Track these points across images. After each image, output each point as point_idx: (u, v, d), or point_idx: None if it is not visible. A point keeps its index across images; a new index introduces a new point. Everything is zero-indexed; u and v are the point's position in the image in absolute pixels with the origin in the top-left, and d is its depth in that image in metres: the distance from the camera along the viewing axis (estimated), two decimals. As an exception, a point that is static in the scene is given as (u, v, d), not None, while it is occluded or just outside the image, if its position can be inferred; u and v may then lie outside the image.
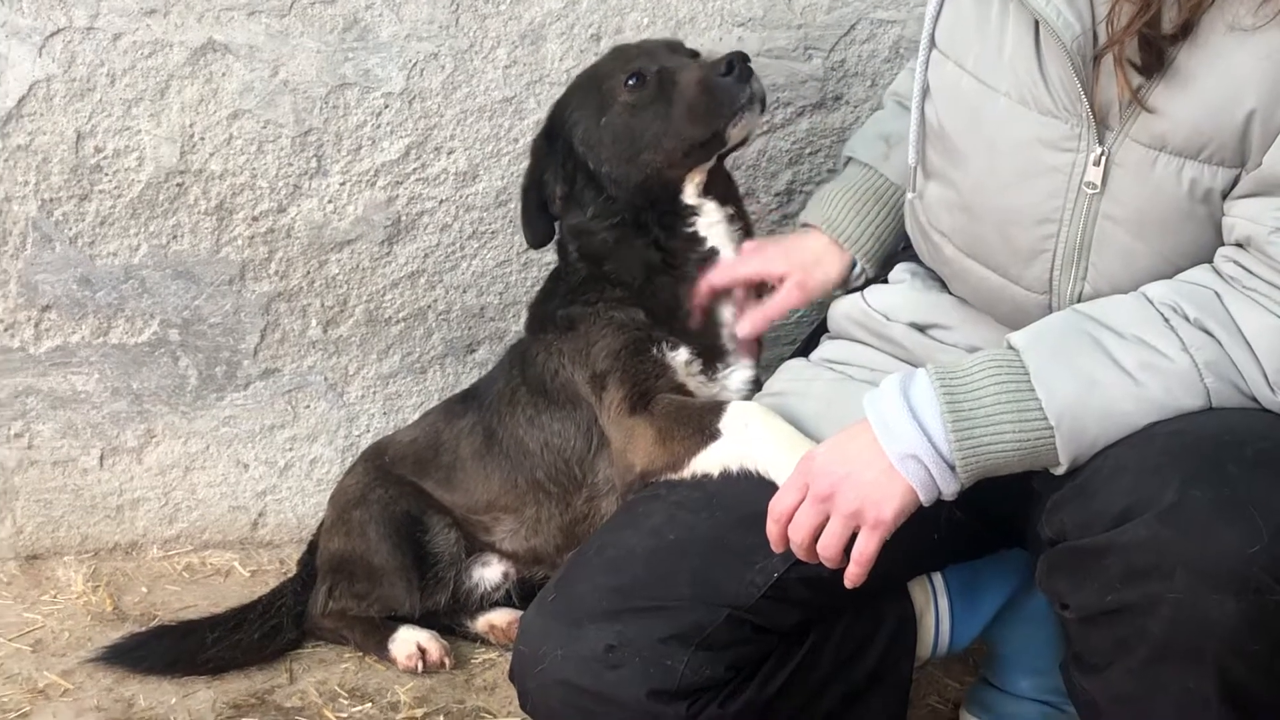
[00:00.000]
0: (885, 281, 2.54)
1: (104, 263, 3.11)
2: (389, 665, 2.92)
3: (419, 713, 2.76)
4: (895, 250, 2.62)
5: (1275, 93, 1.93)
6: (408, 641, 2.90)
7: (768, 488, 2.21)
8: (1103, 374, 1.96)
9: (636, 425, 2.52)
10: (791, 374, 2.55)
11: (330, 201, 3.12)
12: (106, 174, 3.04)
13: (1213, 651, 1.86)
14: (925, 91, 2.29)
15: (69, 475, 3.29)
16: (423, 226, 3.17)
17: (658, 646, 2.20)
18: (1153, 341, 1.96)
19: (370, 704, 2.79)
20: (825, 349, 2.56)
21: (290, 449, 3.35)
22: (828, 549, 2.08)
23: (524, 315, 2.97)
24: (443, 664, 2.90)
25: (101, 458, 3.29)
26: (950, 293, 2.41)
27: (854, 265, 2.62)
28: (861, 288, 2.56)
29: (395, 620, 2.95)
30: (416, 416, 3.18)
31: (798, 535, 2.11)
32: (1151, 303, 2.00)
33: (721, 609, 2.22)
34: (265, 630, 2.95)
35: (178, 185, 3.06)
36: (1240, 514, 1.82)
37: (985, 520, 2.36)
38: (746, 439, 2.36)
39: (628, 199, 2.64)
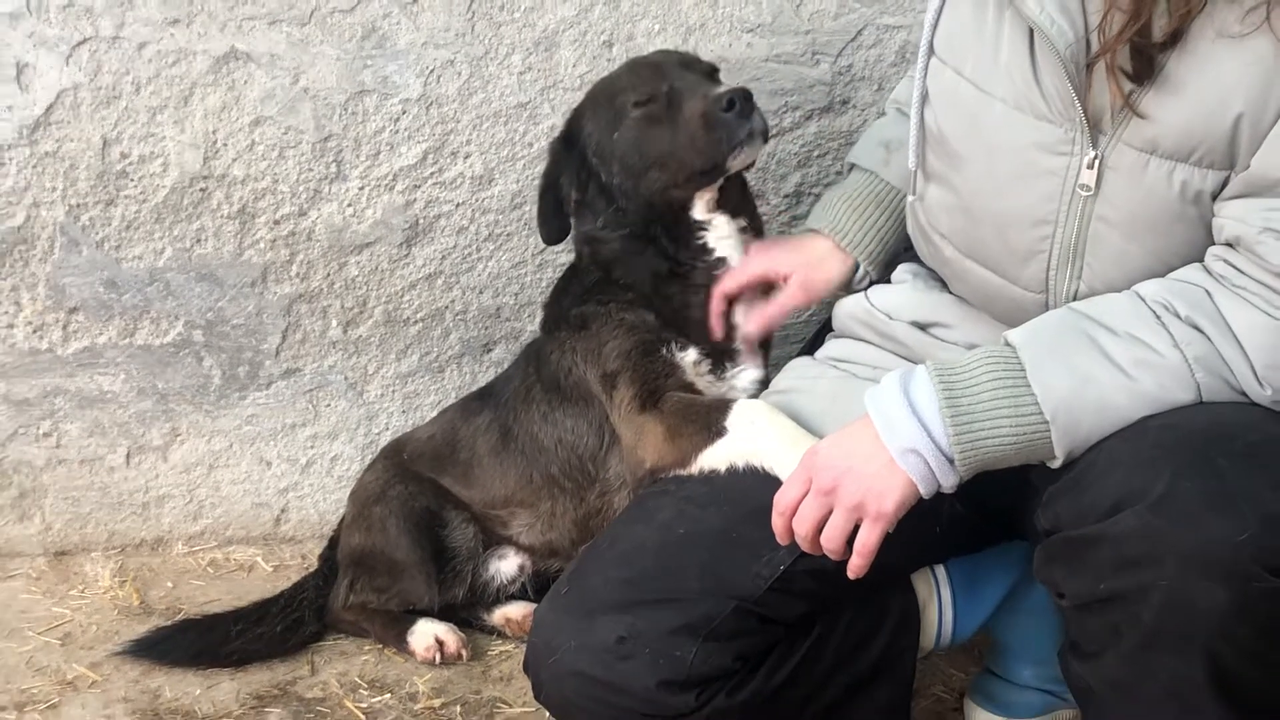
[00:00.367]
0: (888, 282, 2.58)
1: (130, 266, 3.14)
2: (408, 657, 2.96)
3: (437, 703, 2.80)
4: (898, 252, 2.65)
5: (1262, 97, 1.97)
6: (426, 634, 2.95)
7: (773, 483, 2.25)
8: (1097, 370, 2.00)
9: (646, 423, 2.57)
10: (797, 372, 2.59)
11: (350, 205, 3.16)
12: (132, 179, 3.07)
13: (1202, 638, 1.90)
14: (925, 98, 2.33)
15: (96, 473, 3.32)
16: (440, 229, 3.21)
17: (667, 638, 2.24)
18: (1145, 338, 2.00)
19: (389, 694, 2.84)
20: (830, 347, 2.60)
21: (311, 447, 3.39)
22: (831, 541, 2.13)
23: (539, 314, 2.99)
24: (460, 656, 2.94)
25: (128, 456, 3.32)
26: (951, 292, 2.45)
27: (857, 268, 2.66)
28: (865, 289, 2.60)
29: (414, 613, 3.00)
30: (434, 414, 3.22)
31: (802, 528, 2.15)
32: (1144, 301, 2.04)
33: (729, 601, 2.26)
34: (287, 623, 3.00)
35: (201, 190, 3.10)
36: (1229, 504, 1.86)
37: (986, 513, 2.40)
38: (752, 435, 2.41)
39: (637, 212, 2.67)
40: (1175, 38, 2.01)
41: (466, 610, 3.04)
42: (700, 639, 2.24)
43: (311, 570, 3.17)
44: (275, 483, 3.41)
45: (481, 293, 3.29)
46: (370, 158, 3.13)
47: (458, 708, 2.81)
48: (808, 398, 2.50)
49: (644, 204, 2.66)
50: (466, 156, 3.16)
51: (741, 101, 2.51)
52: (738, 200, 2.72)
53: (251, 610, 3.02)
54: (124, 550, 3.39)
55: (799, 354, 2.74)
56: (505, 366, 3.14)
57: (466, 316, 3.31)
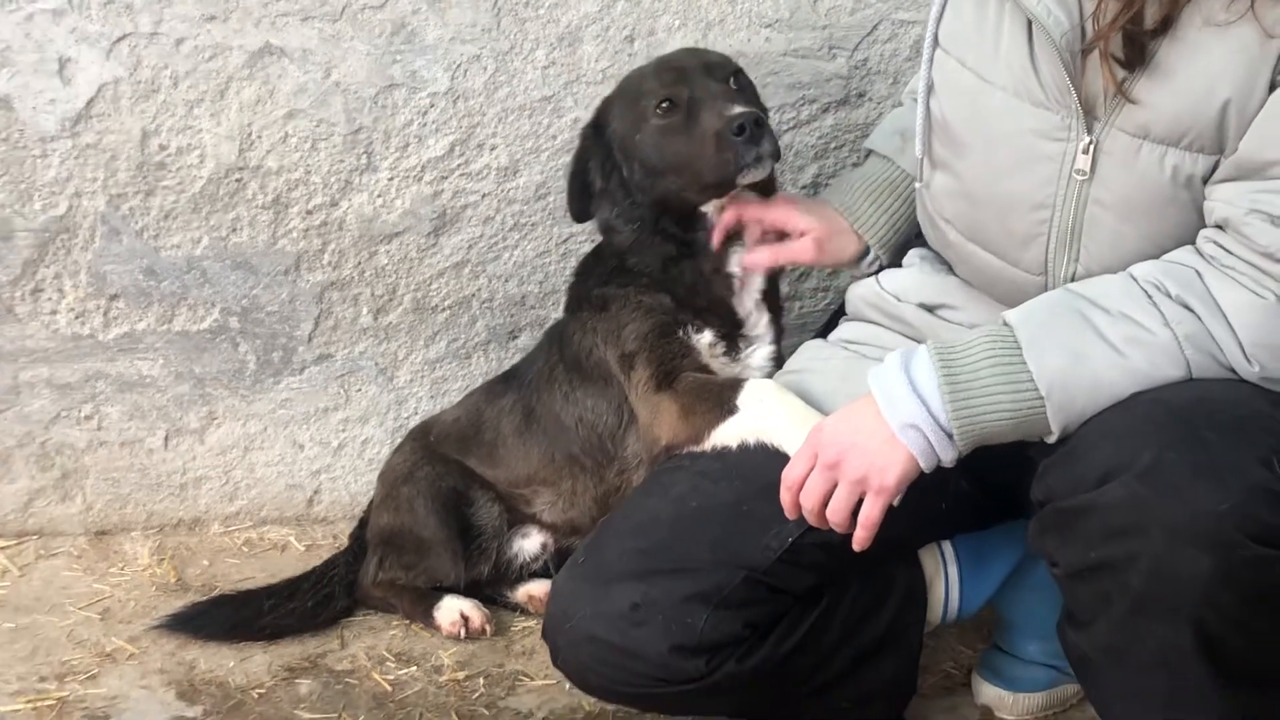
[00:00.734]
0: (899, 266, 2.64)
1: (168, 254, 3.20)
2: (434, 632, 3.01)
3: (460, 675, 2.87)
4: (909, 238, 2.71)
5: (1248, 83, 2.04)
6: (452, 609, 3.00)
7: (783, 459, 2.32)
8: (1090, 347, 2.07)
9: (662, 401, 2.64)
10: (809, 353, 2.67)
11: (379, 196, 3.22)
12: (170, 171, 3.14)
13: (1188, 604, 1.96)
14: (930, 88, 2.40)
15: (136, 455, 3.37)
16: (467, 219, 3.26)
17: (679, 605, 2.32)
18: (1137, 317, 2.06)
19: (415, 667, 2.90)
20: (841, 330, 2.67)
21: (343, 430, 3.44)
22: (836, 513, 2.21)
23: (563, 301, 3.04)
24: (484, 631, 2.99)
25: (166, 438, 3.38)
26: (957, 275, 2.52)
27: (867, 251, 2.72)
28: (876, 273, 2.66)
29: (440, 590, 3.04)
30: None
31: (808, 501, 2.23)
32: (1136, 281, 2.11)
33: (739, 571, 2.34)
34: (318, 599, 3.04)
35: (237, 181, 3.16)
36: (1213, 475, 1.92)
37: (991, 491, 2.47)
38: (762, 413, 2.48)
39: (651, 207, 2.74)
40: (1166, 25, 2.07)
41: (491, 587, 3.09)
42: (711, 607, 2.32)
43: (342, 549, 3.22)
44: (308, 465, 3.46)
45: (507, 281, 3.34)
46: (399, 149, 3.19)
47: (481, 680, 2.86)
48: (818, 377, 2.56)
49: (658, 201, 2.73)
50: (492, 148, 3.22)
51: (752, 127, 2.55)
52: (763, 193, 2.76)
53: (284, 586, 3.07)
54: (162, 530, 3.43)
55: (813, 338, 2.81)
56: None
57: (493, 304, 3.37)
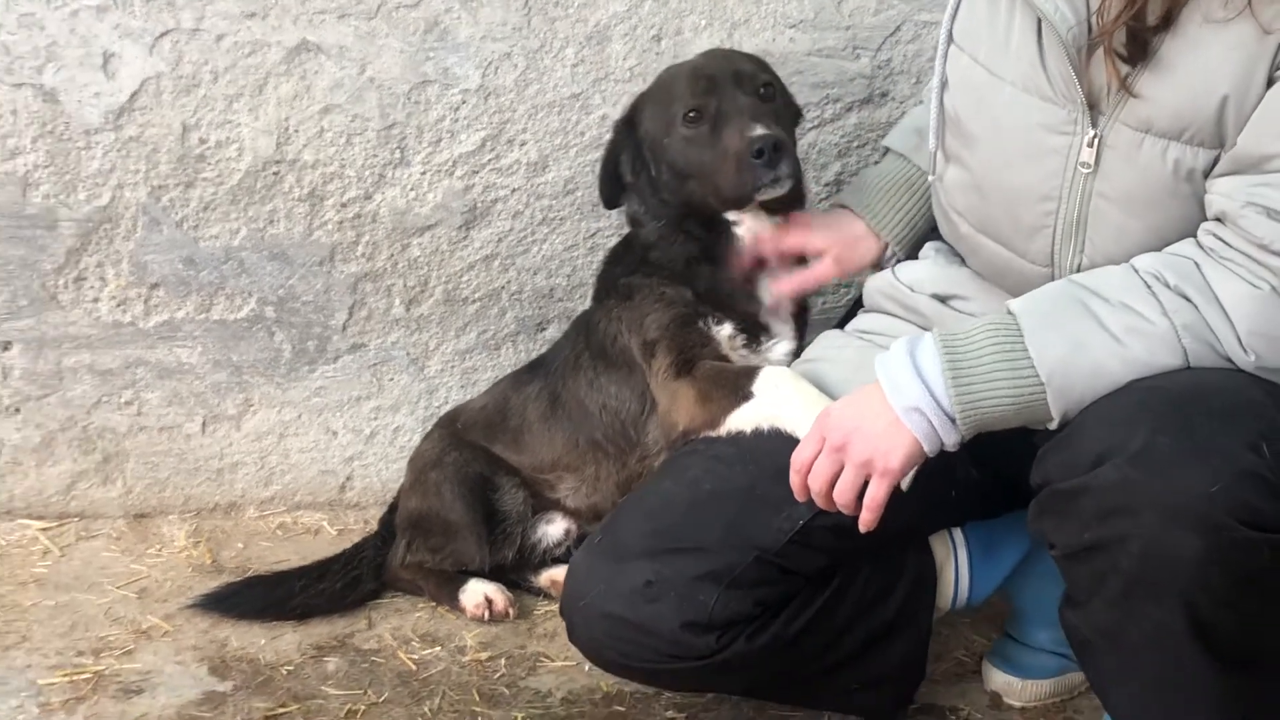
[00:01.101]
0: (915, 258, 2.70)
1: (207, 245, 3.27)
2: (458, 614, 3.06)
3: (483, 655, 2.92)
4: (925, 233, 2.75)
5: (1246, 79, 2.07)
6: (476, 592, 3.06)
7: (795, 443, 2.35)
8: (1090, 336, 2.11)
9: (680, 387, 2.70)
10: (826, 342, 2.72)
11: (412, 189, 3.28)
12: (209, 163, 3.21)
13: (1179, 585, 2.00)
14: (944, 83, 2.45)
15: (174, 440, 3.44)
16: (497, 213, 3.32)
17: (692, 583, 2.37)
18: (1136, 306, 2.10)
19: (440, 647, 2.96)
20: (858, 321, 2.72)
21: (375, 418, 3.50)
22: (842, 495, 2.25)
23: (590, 293, 3.11)
24: (507, 614, 3.04)
25: (204, 424, 3.44)
26: (969, 267, 2.56)
27: (886, 249, 2.78)
28: (893, 266, 2.70)
29: (466, 574, 3.10)
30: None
31: (816, 483, 2.28)
32: (1137, 272, 2.15)
33: (751, 551, 2.39)
34: (347, 581, 3.10)
35: (274, 174, 3.23)
36: (1203, 458, 1.96)
37: (1000, 480, 2.51)
38: (775, 400, 2.53)
39: (676, 209, 2.82)
40: (1167, 21, 2.11)
41: (515, 572, 3.14)
42: (723, 585, 2.37)
43: (372, 532, 3.28)
44: (341, 452, 3.52)
45: (536, 274, 3.40)
46: (432, 144, 3.25)
47: (503, 660, 2.92)
48: (832, 366, 2.61)
49: (682, 203, 2.81)
50: (522, 144, 3.27)
51: (770, 152, 2.63)
52: (784, 204, 2.81)
53: (314, 568, 3.13)
54: (199, 513, 3.50)
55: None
56: (558, 345, 3.24)
57: (522, 296, 3.42)
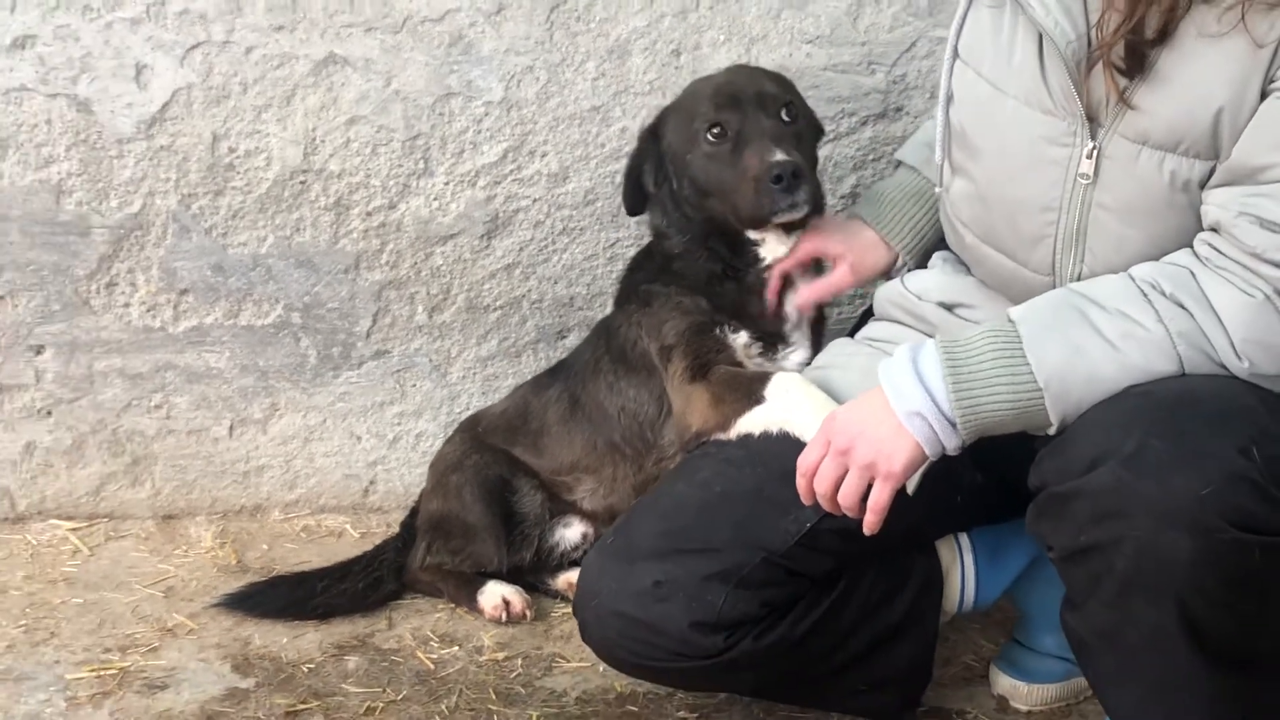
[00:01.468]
0: (924, 268, 2.74)
1: (235, 252, 3.32)
2: (477, 615, 3.10)
3: (500, 656, 2.96)
4: (934, 243, 2.80)
5: (1240, 92, 2.11)
6: (494, 594, 3.09)
7: (803, 446, 2.39)
8: (1087, 342, 2.14)
9: (695, 391, 2.74)
10: (836, 350, 2.76)
11: (436, 199, 3.33)
12: (238, 172, 3.26)
13: (1173, 586, 2.03)
14: (950, 97, 2.49)
15: (202, 443, 3.48)
16: (518, 223, 3.37)
17: (700, 583, 2.42)
18: (1132, 314, 2.14)
19: (458, 647, 3.00)
20: (868, 329, 2.76)
21: (398, 424, 3.53)
22: (847, 498, 2.29)
23: (609, 303, 3.15)
24: (525, 615, 3.07)
25: (231, 428, 3.49)
26: (974, 276, 2.60)
27: (897, 258, 2.82)
28: (903, 276, 2.75)
29: (484, 576, 3.13)
30: (508, 394, 3.35)
31: (821, 486, 2.32)
32: (1134, 280, 2.18)
33: (758, 552, 2.43)
34: (368, 581, 3.14)
35: (301, 183, 3.28)
36: (1194, 461, 1.99)
37: (1006, 485, 2.52)
38: (785, 404, 2.57)
39: (698, 224, 2.87)
40: (1164, 35, 2.15)
41: (533, 574, 3.18)
42: (731, 586, 2.42)
43: (393, 535, 3.32)
44: (364, 456, 3.55)
45: (556, 283, 3.45)
46: (455, 155, 3.30)
47: (519, 661, 2.95)
48: (841, 373, 2.65)
49: (705, 219, 2.85)
50: (544, 155, 3.32)
51: (789, 179, 2.67)
52: (803, 222, 2.84)
53: (336, 569, 3.17)
54: (225, 515, 3.54)
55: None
56: (578, 353, 3.27)
57: (542, 305, 3.47)
